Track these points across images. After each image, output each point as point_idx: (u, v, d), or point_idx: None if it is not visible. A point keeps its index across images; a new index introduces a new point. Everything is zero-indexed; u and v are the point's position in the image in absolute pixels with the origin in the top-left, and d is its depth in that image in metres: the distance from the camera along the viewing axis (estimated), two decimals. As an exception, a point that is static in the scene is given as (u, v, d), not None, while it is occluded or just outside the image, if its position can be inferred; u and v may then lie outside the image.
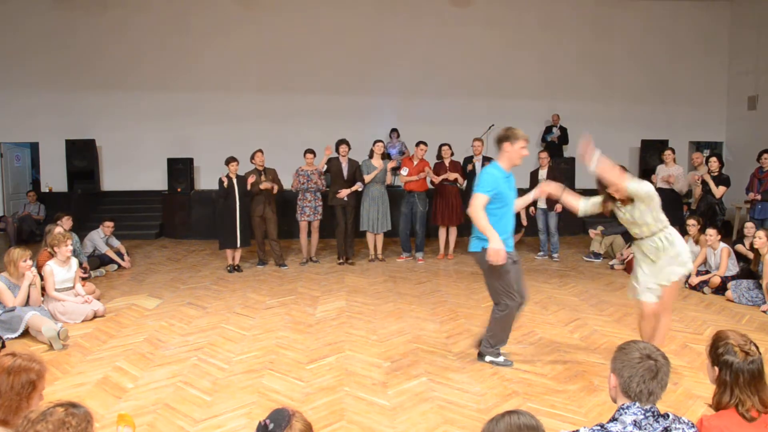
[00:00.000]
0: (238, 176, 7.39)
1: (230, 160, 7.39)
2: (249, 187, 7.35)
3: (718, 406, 2.08)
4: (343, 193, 7.60)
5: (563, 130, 11.31)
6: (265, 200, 7.54)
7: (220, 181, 7.33)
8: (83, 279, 6.19)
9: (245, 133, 11.03)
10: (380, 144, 7.89)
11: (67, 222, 7.06)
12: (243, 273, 7.38)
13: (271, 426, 1.58)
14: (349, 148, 7.75)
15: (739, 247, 6.74)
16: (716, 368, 2.10)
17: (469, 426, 3.24)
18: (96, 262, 7.40)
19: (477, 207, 3.82)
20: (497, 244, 3.73)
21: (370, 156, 7.98)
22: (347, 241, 7.83)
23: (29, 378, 2.05)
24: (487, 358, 4.18)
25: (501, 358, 4.17)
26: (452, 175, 7.92)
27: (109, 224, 7.80)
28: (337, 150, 7.72)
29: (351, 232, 7.83)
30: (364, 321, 5.27)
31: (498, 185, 3.88)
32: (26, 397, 2.04)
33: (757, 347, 2.12)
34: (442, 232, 8.21)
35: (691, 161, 8.31)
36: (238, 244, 7.39)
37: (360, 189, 7.69)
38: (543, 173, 8.10)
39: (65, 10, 10.90)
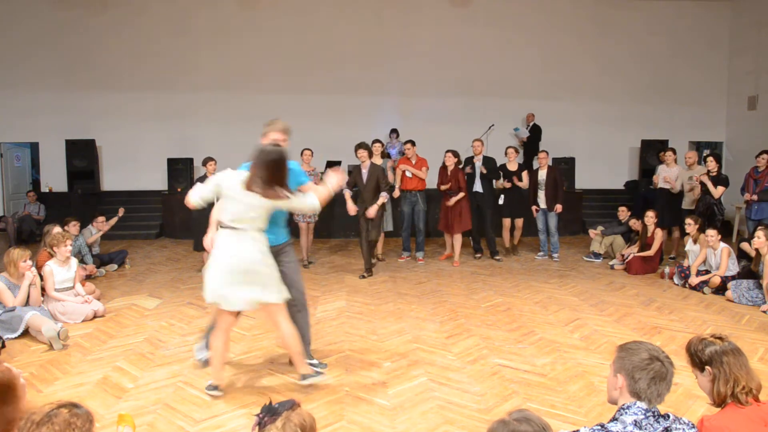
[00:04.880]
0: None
1: (207, 160, 7.36)
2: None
3: (717, 398, 2.10)
4: (372, 211, 6.83)
5: (537, 128, 11.19)
6: None
7: (201, 180, 7.28)
8: (85, 279, 6.20)
9: (245, 133, 10.97)
10: (378, 145, 7.81)
11: (74, 227, 7.04)
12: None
13: (276, 405, 1.61)
14: (371, 154, 7.10)
15: (744, 245, 6.71)
16: (707, 368, 2.13)
17: (469, 426, 3.24)
18: (96, 262, 7.40)
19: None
20: None
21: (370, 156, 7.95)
22: (370, 250, 7.19)
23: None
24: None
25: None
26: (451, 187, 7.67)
27: (101, 219, 7.76)
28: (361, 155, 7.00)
29: (375, 243, 7.27)
30: (364, 321, 5.27)
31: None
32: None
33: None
34: (448, 236, 8.10)
35: (685, 161, 8.23)
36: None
37: (384, 201, 6.94)
38: (543, 174, 8.08)
39: (65, 10, 10.90)
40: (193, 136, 11.27)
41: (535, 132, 11.24)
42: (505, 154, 8.32)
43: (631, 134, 11.73)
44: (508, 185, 8.22)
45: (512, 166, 8.22)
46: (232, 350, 4.48)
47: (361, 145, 7.00)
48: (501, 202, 8.30)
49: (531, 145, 11.07)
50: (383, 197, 6.84)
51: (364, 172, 6.95)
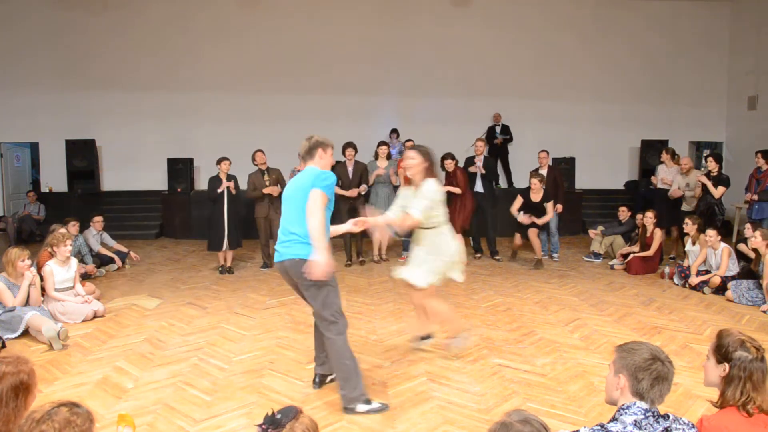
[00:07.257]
0: (229, 176, 7.39)
1: (222, 160, 7.38)
2: (234, 191, 7.31)
3: (723, 403, 2.08)
4: (352, 192, 7.53)
5: (506, 128, 11.12)
6: (269, 201, 7.49)
7: (212, 181, 7.32)
8: (83, 279, 6.19)
9: (245, 133, 11.03)
10: (384, 147, 7.94)
11: (73, 227, 7.05)
12: (243, 273, 7.37)
13: (278, 415, 1.61)
14: (356, 152, 7.73)
15: (741, 246, 6.73)
16: (726, 365, 2.09)
17: (469, 426, 3.24)
18: (96, 262, 7.40)
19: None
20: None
21: (375, 158, 8.02)
22: (356, 243, 7.86)
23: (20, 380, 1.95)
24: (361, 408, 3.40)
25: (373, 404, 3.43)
26: (454, 190, 7.55)
27: (98, 219, 7.74)
28: (343, 153, 7.61)
29: (359, 235, 7.56)
30: (364, 321, 5.27)
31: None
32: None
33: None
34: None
35: (680, 166, 7.90)
36: (224, 247, 7.28)
37: (363, 192, 7.64)
38: (543, 173, 8.08)
39: (65, 10, 10.90)
40: (193, 136, 11.28)
41: (507, 132, 11.12)
42: (529, 182, 7.70)
43: (631, 134, 11.73)
44: (528, 221, 7.58)
45: (536, 197, 7.60)
46: (232, 350, 4.49)
47: (348, 145, 7.70)
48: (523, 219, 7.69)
49: (504, 144, 10.99)
50: (363, 188, 7.62)
51: (350, 169, 7.67)
